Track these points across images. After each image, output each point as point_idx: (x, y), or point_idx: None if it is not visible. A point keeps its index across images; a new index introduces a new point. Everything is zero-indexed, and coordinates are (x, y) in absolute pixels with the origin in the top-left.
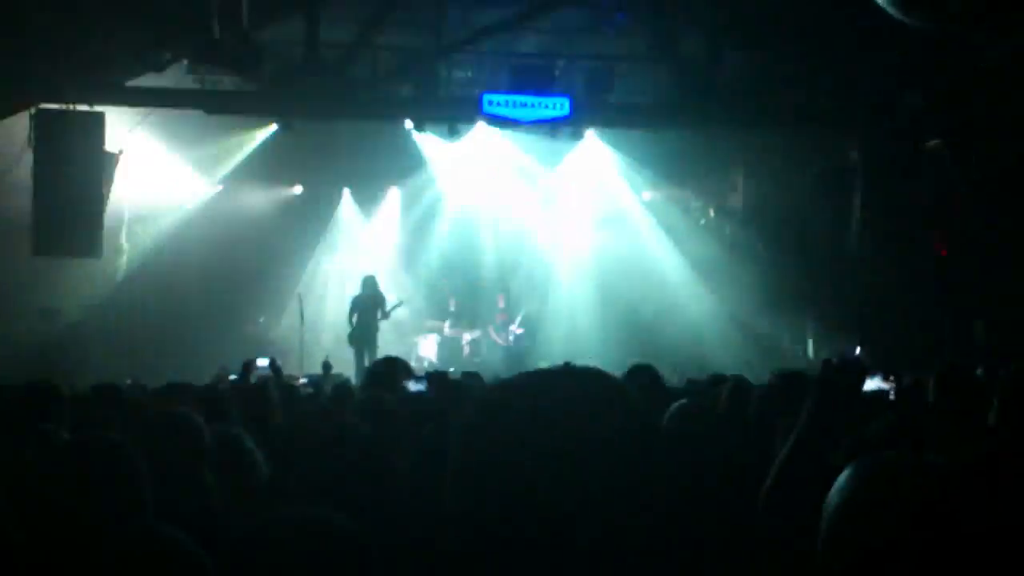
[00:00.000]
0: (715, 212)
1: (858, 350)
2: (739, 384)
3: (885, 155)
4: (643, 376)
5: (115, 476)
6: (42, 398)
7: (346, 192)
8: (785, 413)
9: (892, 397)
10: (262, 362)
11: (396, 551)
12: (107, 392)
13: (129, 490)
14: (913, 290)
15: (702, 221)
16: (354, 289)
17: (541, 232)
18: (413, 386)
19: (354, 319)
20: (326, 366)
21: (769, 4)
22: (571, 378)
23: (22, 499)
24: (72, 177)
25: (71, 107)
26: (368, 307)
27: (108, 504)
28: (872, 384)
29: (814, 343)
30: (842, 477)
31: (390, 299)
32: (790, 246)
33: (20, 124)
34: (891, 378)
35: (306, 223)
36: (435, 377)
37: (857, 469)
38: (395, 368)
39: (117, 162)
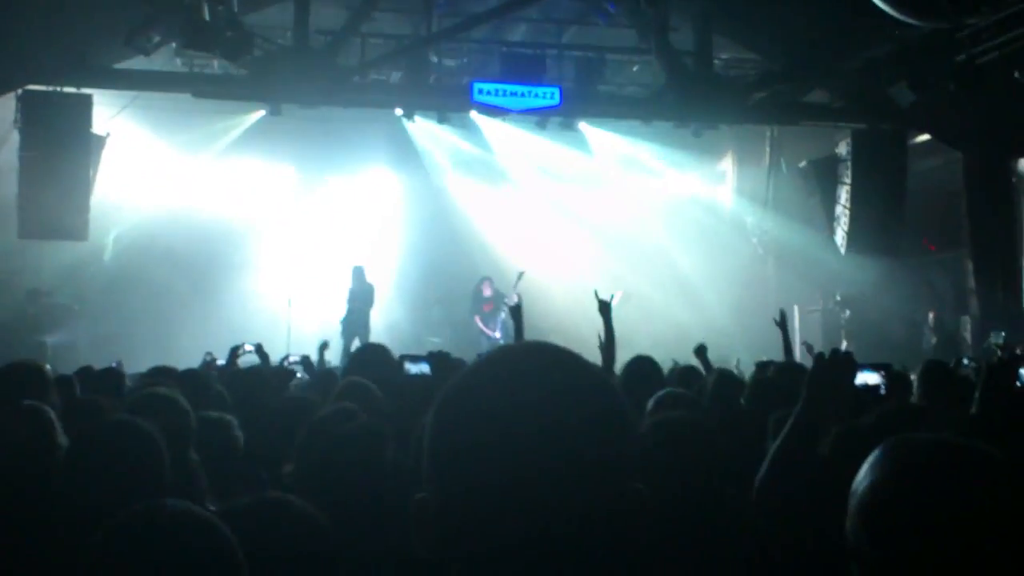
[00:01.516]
0: (705, 203)
1: (843, 344)
2: (724, 375)
3: (874, 148)
4: (642, 366)
5: (142, 456)
6: (27, 377)
7: (331, 177)
8: (777, 405)
9: (883, 391)
10: (249, 347)
11: (376, 536)
12: (96, 374)
13: (153, 470)
14: (898, 284)
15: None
16: (342, 277)
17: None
18: (413, 367)
19: (348, 310)
20: (322, 347)
21: None
22: (546, 354)
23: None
24: (58, 159)
25: (58, 89)
26: (360, 298)
27: (137, 482)
28: (862, 377)
29: (800, 329)
30: (875, 461)
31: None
32: (778, 235)
33: (6, 106)
34: (881, 372)
35: (292, 207)
36: (437, 357)
37: (894, 452)
38: (379, 354)
39: (104, 145)
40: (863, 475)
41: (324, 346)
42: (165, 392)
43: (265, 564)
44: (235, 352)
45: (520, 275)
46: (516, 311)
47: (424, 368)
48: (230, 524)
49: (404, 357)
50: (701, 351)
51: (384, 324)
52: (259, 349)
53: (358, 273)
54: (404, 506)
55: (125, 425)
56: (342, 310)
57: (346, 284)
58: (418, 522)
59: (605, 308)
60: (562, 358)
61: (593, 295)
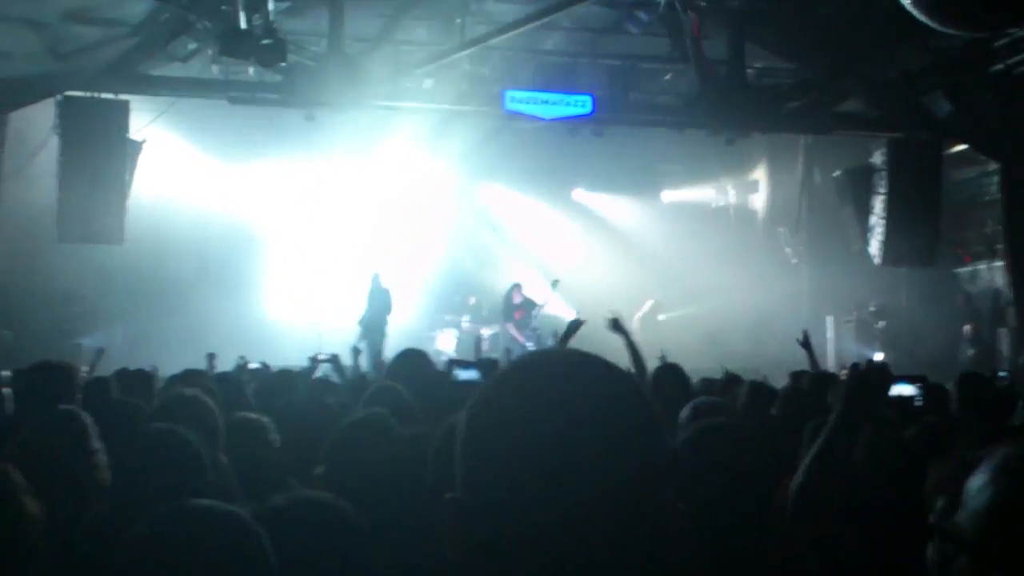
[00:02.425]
0: (738, 211)
1: (878, 355)
2: (757, 386)
3: (909, 158)
4: (670, 375)
5: (183, 459)
6: (55, 377)
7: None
8: (812, 415)
9: (918, 403)
10: (323, 356)
11: (408, 535)
12: (130, 376)
13: (194, 476)
14: (933, 296)
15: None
16: (364, 280)
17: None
18: (463, 374)
19: (365, 314)
20: (355, 353)
21: (794, 5)
22: (579, 359)
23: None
24: (96, 164)
25: (96, 95)
26: (377, 302)
27: (179, 489)
28: (897, 389)
29: (835, 345)
30: (995, 473)
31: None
32: (812, 245)
33: (45, 111)
34: (917, 383)
35: (325, 209)
36: (486, 364)
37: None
38: (418, 360)
39: (140, 150)
40: (981, 486)
41: (357, 352)
42: (193, 394)
43: (304, 562)
44: (315, 360)
45: (555, 283)
46: (574, 326)
47: (473, 374)
48: (268, 522)
49: (453, 363)
50: (615, 324)
51: (404, 329)
52: (335, 359)
53: (375, 279)
54: (435, 509)
55: (166, 433)
56: (361, 313)
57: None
58: (449, 523)
59: (615, 326)
60: (594, 363)
61: (605, 320)
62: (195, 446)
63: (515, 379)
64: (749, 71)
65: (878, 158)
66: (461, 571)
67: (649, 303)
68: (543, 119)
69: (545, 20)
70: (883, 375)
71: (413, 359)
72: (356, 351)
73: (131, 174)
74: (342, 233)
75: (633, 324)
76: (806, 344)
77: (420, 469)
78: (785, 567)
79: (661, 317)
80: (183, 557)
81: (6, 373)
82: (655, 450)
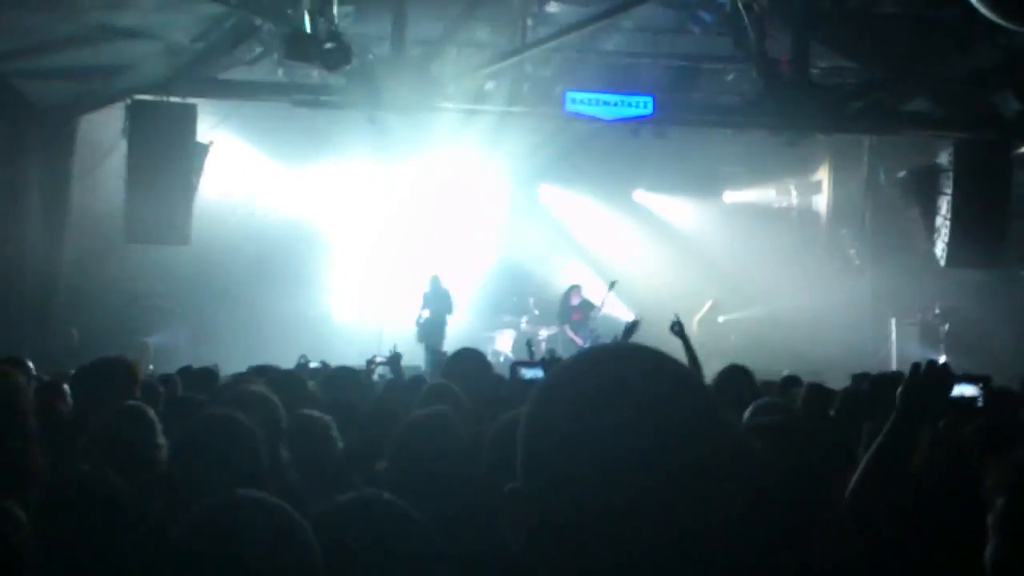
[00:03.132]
0: (800, 212)
1: (942, 357)
2: (815, 387)
3: (977, 158)
4: (737, 376)
5: (240, 448)
6: (114, 373)
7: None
8: (871, 416)
9: (980, 403)
10: (381, 358)
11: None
12: (194, 374)
13: (250, 461)
14: (1000, 298)
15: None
16: (422, 285)
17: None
18: (528, 372)
19: (423, 315)
20: (396, 357)
21: (859, 3)
22: (639, 352)
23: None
24: (164, 167)
25: (165, 98)
26: (436, 304)
27: (236, 473)
28: (959, 390)
29: (897, 346)
30: None
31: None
32: (876, 246)
33: (114, 114)
34: (979, 384)
35: (386, 211)
36: (550, 363)
37: None
38: (474, 359)
39: (207, 153)
40: None
41: (398, 357)
42: (257, 389)
43: (366, 560)
44: (371, 362)
45: (612, 284)
46: (632, 327)
47: (538, 373)
48: (333, 521)
49: (517, 364)
50: (678, 328)
51: (462, 330)
52: (393, 360)
53: (434, 280)
54: (490, 502)
55: (225, 419)
56: (420, 313)
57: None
58: (510, 514)
59: (676, 329)
60: (653, 356)
61: (669, 323)
62: (251, 431)
63: (576, 371)
64: (813, 71)
65: (944, 159)
66: (522, 562)
67: (709, 303)
68: (604, 120)
69: (606, 21)
70: (944, 375)
71: (469, 359)
72: (396, 358)
73: (198, 176)
74: (403, 234)
75: (692, 325)
76: (679, 332)
77: (478, 465)
78: (840, 565)
79: (721, 318)
80: (227, 549)
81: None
82: (716, 442)
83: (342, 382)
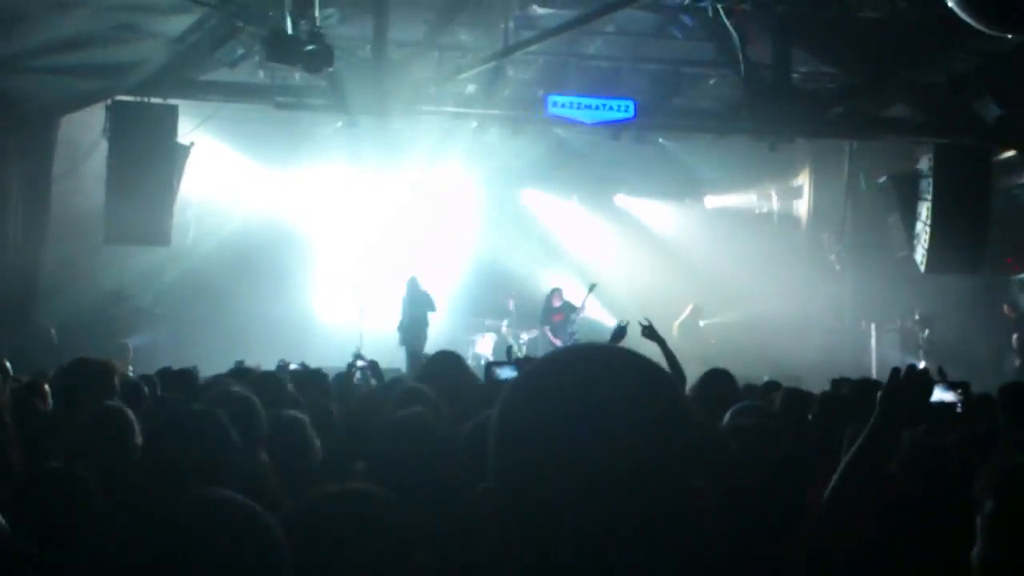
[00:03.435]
0: (781, 217)
1: (922, 363)
2: (794, 391)
3: (957, 164)
4: (719, 380)
5: (214, 443)
6: (93, 374)
7: (403, 185)
8: (851, 420)
9: (960, 409)
10: (362, 363)
11: (444, 526)
12: (174, 375)
13: (224, 455)
14: (980, 304)
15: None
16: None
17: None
18: (504, 373)
19: (403, 319)
20: (374, 364)
21: (839, 9)
22: (609, 352)
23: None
24: (145, 167)
25: (146, 99)
26: (415, 307)
27: (210, 467)
28: (939, 395)
29: (877, 352)
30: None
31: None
32: (856, 252)
33: (95, 115)
34: (959, 390)
35: (365, 214)
36: (525, 363)
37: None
38: (451, 362)
39: (188, 155)
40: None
41: (375, 364)
42: (238, 391)
43: (346, 551)
44: (352, 366)
45: (592, 287)
46: (620, 332)
47: (513, 373)
48: (310, 513)
49: (491, 364)
50: (649, 331)
51: (443, 333)
52: (373, 366)
53: (411, 283)
54: (466, 501)
55: (198, 414)
56: (400, 317)
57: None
58: (485, 513)
59: (649, 333)
60: (624, 355)
61: (639, 326)
62: (225, 427)
63: (546, 370)
64: (794, 76)
65: (925, 164)
66: (498, 559)
67: (689, 308)
68: (585, 123)
69: (588, 25)
70: (923, 380)
71: (446, 361)
72: (356, 358)
73: (179, 177)
74: (383, 237)
75: (673, 330)
76: (651, 335)
77: (454, 465)
78: (818, 565)
79: (702, 323)
80: (192, 547)
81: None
82: (684, 439)
83: (313, 383)
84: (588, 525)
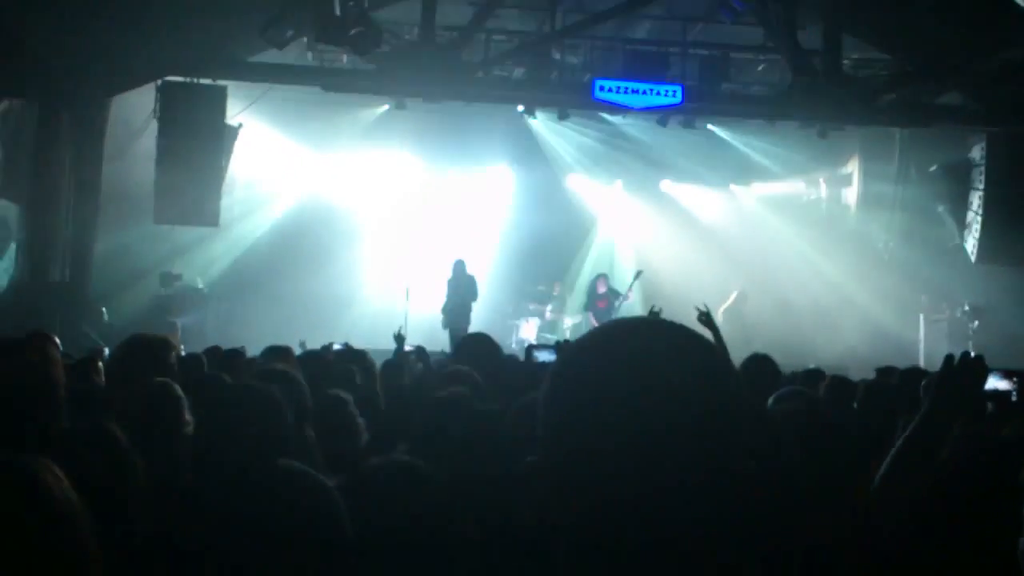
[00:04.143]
0: (829, 205)
1: (971, 351)
2: (839, 379)
3: (1010, 153)
4: (761, 366)
5: (267, 418)
6: (149, 351)
7: (451, 169)
8: (897, 409)
9: (1014, 398)
10: (409, 347)
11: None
12: (222, 355)
13: (277, 430)
14: None
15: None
16: (447, 272)
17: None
18: (543, 356)
19: (448, 302)
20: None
21: None
22: (660, 326)
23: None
24: (194, 148)
25: (195, 81)
26: (461, 290)
27: (262, 441)
28: (992, 383)
29: (925, 342)
30: None
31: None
32: (905, 241)
33: (145, 96)
34: (1013, 379)
35: (412, 198)
36: (565, 346)
37: None
38: (483, 344)
39: (236, 136)
40: None
41: (422, 350)
42: (283, 368)
43: (393, 520)
44: (399, 351)
45: (638, 274)
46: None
47: (553, 356)
48: (360, 483)
49: (532, 347)
50: (705, 318)
51: (487, 317)
52: (420, 351)
53: (458, 266)
54: (510, 478)
55: (253, 390)
56: (444, 300)
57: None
58: (532, 486)
59: (705, 320)
60: (674, 328)
61: (696, 311)
62: (279, 403)
63: (595, 342)
64: (845, 62)
65: (977, 152)
66: (539, 534)
67: (734, 294)
68: (632, 108)
69: (637, 9)
70: (978, 368)
71: (478, 343)
72: (400, 340)
73: (227, 159)
74: (429, 219)
75: (718, 316)
76: (707, 321)
77: (496, 444)
78: (866, 553)
79: (747, 310)
80: (266, 515)
81: (107, 352)
82: (734, 414)
83: (358, 365)
84: (637, 495)
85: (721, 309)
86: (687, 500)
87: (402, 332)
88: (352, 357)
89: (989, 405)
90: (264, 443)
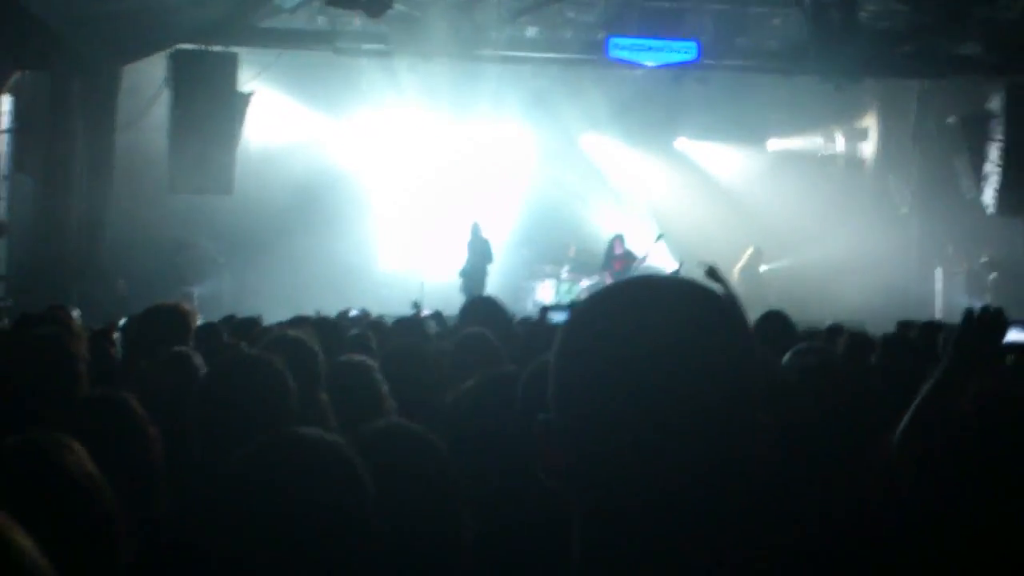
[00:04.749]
0: (845, 161)
1: (990, 303)
2: (857, 334)
3: None
4: (775, 322)
5: (270, 388)
6: (169, 319)
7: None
8: (916, 362)
9: None
10: (427, 312)
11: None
12: (238, 323)
13: (280, 401)
14: None
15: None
16: (464, 233)
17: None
18: (556, 317)
19: (466, 265)
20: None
21: None
22: (673, 282)
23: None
24: (206, 116)
25: (207, 47)
26: (477, 253)
27: (266, 413)
28: (1013, 335)
29: (943, 295)
30: None
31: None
32: (923, 194)
33: (158, 64)
34: None
35: (426, 161)
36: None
37: None
38: (489, 307)
39: (248, 103)
40: None
41: (417, 309)
42: (294, 334)
43: (388, 486)
44: (418, 307)
45: (660, 236)
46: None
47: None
48: (359, 446)
49: (546, 308)
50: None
51: (503, 279)
52: (438, 316)
53: (475, 228)
54: (523, 440)
55: (255, 360)
56: (462, 263)
57: (466, 238)
58: (540, 444)
59: (712, 274)
60: (687, 285)
61: (703, 269)
62: (280, 372)
63: (608, 299)
64: (862, 14)
65: (996, 104)
66: (548, 492)
67: (749, 251)
68: (647, 66)
69: None
70: (998, 321)
71: (485, 305)
72: (416, 308)
73: (240, 126)
74: (444, 183)
75: (734, 274)
76: (715, 277)
77: (509, 406)
78: (888, 506)
79: (763, 268)
80: (283, 483)
81: (122, 323)
82: (747, 370)
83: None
84: (648, 452)
85: (736, 268)
86: (699, 457)
87: (418, 300)
88: (369, 324)
89: (1009, 358)
90: (266, 412)
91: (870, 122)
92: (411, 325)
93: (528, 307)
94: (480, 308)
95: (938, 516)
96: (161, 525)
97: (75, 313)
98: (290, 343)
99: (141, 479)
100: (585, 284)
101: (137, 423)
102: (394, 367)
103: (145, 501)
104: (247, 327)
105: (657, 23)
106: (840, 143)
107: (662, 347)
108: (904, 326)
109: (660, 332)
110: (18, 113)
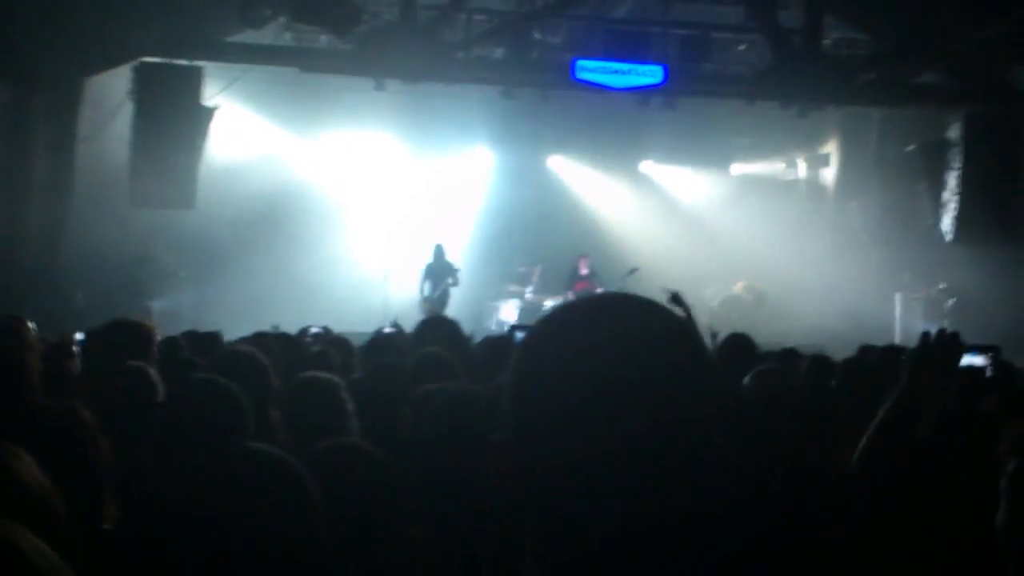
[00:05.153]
0: (807, 187)
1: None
2: (818, 358)
3: (987, 131)
4: (739, 345)
5: (225, 409)
6: (130, 335)
7: (429, 151)
8: (876, 386)
9: (989, 374)
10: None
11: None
12: (199, 338)
13: (236, 418)
14: (1007, 275)
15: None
16: (426, 256)
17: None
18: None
19: (426, 286)
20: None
21: None
22: (628, 301)
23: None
24: (169, 130)
25: (171, 61)
26: (439, 275)
27: (223, 435)
28: (968, 359)
29: (901, 321)
30: None
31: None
32: (883, 221)
33: (120, 77)
34: (989, 354)
35: (391, 181)
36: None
37: None
38: (445, 328)
39: (212, 117)
40: None
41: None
42: (245, 350)
43: (335, 495)
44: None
45: (632, 271)
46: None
47: None
48: (312, 463)
49: (515, 327)
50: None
51: (466, 299)
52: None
53: (438, 251)
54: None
55: (209, 383)
56: (425, 287)
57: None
58: (494, 464)
59: (675, 299)
60: (644, 304)
61: (665, 294)
62: (237, 396)
63: (563, 318)
64: (825, 42)
65: (954, 132)
66: (503, 513)
67: (740, 284)
68: (613, 89)
69: None
70: (953, 344)
71: (440, 325)
72: (394, 327)
73: (203, 140)
74: (408, 202)
75: (713, 302)
76: (678, 301)
77: (471, 422)
78: (845, 528)
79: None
80: (231, 498)
81: (79, 336)
82: (703, 391)
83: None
84: (603, 472)
85: (719, 299)
86: (655, 478)
87: (396, 321)
88: (331, 342)
89: (964, 380)
90: (221, 432)
91: (831, 148)
92: (390, 342)
93: (491, 327)
94: (436, 328)
95: (894, 538)
96: (111, 537)
97: (31, 325)
98: (242, 358)
99: (89, 490)
100: (549, 304)
101: (87, 433)
102: (372, 384)
103: (93, 512)
104: (208, 342)
105: (623, 47)
106: (802, 169)
107: (615, 367)
108: (865, 350)
109: (613, 352)
110: None
